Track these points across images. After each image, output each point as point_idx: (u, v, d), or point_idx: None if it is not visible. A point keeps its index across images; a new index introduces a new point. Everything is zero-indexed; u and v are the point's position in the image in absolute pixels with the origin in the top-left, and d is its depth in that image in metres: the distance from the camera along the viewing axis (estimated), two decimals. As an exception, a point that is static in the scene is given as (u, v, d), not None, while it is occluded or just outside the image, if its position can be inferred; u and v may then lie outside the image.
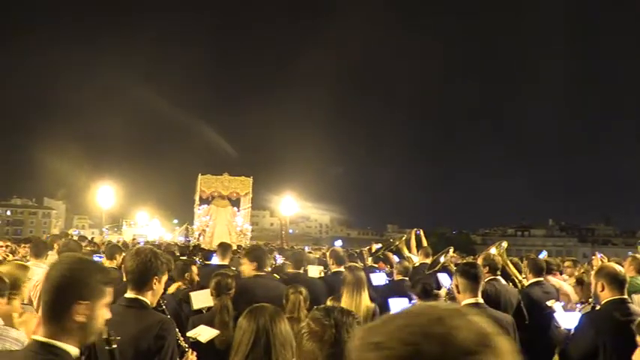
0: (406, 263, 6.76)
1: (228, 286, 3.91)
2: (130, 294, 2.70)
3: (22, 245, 7.65)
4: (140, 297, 2.67)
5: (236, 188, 26.00)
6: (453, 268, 6.57)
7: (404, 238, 9.72)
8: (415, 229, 9.98)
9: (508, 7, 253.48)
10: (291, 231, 52.80)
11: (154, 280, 2.69)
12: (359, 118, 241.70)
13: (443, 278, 5.89)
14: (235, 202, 27.07)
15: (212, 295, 3.91)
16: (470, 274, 3.50)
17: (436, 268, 6.37)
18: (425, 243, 9.78)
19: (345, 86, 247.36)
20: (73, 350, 1.72)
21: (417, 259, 8.29)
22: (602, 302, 3.48)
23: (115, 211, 49.41)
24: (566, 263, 8.00)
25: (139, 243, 19.81)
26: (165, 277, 2.80)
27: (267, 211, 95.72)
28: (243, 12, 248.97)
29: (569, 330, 4.04)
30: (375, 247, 11.12)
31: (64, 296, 1.71)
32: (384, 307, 4.85)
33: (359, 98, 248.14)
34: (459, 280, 3.53)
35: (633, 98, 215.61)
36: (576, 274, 7.43)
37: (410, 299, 5.08)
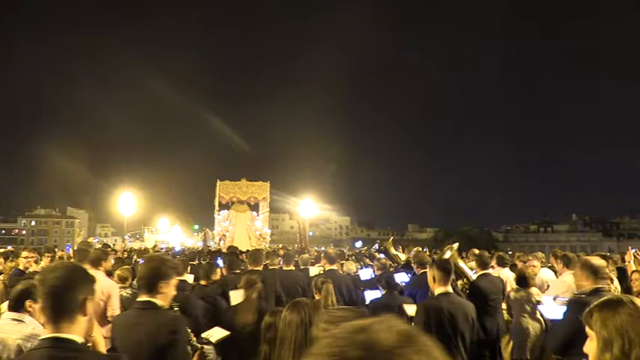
0: (383, 260, 8.40)
1: (254, 282, 4.62)
2: (142, 297, 3.01)
3: (45, 255, 7.75)
4: (152, 299, 2.97)
5: (254, 193, 26.22)
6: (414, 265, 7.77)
7: (391, 240, 11.23)
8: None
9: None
10: (310, 233, 52.73)
11: (161, 284, 2.98)
12: (377, 119, 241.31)
13: (399, 277, 6.93)
14: (254, 207, 27.26)
15: (243, 288, 4.60)
16: (444, 268, 4.21)
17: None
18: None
19: (362, 87, 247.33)
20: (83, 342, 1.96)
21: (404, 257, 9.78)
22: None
23: (137, 218, 50.14)
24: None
25: (161, 249, 20.06)
26: (173, 281, 3.07)
27: (287, 214, 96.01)
28: (255, 9, 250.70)
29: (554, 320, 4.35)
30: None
31: (75, 295, 1.93)
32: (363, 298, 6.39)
33: (378, 98, 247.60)
34: (435, 272, 4.20)
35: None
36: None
37: (381, 291, 6.12)
